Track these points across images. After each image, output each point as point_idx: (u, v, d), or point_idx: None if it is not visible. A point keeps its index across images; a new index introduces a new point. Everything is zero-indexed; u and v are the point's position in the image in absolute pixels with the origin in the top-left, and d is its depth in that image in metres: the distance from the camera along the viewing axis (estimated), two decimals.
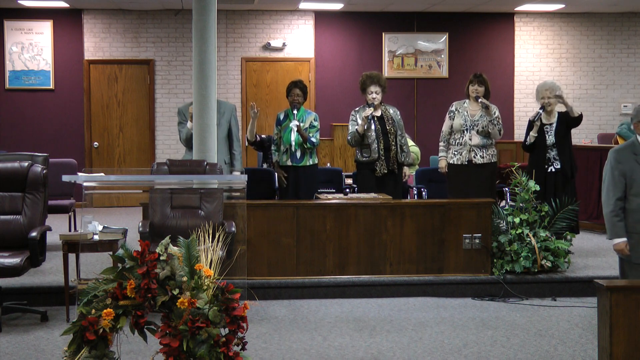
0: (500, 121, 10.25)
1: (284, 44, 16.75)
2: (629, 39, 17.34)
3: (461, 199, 9.69)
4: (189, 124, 10.25)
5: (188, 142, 10.45)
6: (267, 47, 16.75)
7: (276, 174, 10.73)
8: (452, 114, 10.34)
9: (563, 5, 16.04)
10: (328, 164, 12.95)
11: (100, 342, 4.28)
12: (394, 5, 15.95)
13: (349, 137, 10.39)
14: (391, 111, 10.33)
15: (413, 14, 16.66)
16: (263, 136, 11.62)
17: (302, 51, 16.82)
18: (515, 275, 9.25)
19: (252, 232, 9.12)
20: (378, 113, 10.23)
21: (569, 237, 9.66)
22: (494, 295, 9.12)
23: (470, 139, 10.13)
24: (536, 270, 9.34)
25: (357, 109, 10.38)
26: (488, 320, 8.08)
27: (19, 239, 8.50)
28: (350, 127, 10.33)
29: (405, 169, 10.45)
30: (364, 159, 10.30)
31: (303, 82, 10.83)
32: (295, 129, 10.34)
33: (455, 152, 10.24)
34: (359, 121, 10.16)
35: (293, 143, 10.34)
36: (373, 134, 10.16)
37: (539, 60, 17.19)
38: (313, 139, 10.40)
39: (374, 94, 10.18)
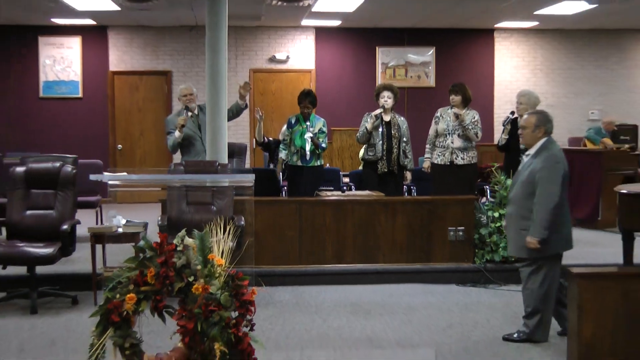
0: (478, 125, 10.25)
1: (287, 57, 16.77)
2: (595, 52, 17.37)
3: (446, 196, 9.70)
4: (176, 133, 10.19)
5: (174, 149, 10.44)
6: (272, 59, 16.76)
7: (280, 172, 10.75)
8: (437, 119, 10.36)
9: (537, 23, 16.06)
10: (327, 165, 12.95)
11: (124, 323, 4.28)
12: (386, 22, 15.96)
13: (358, 135, 10.48)
14: (399, 119, 10.35)
15: (403, 29, 16.66)
16: (270, 139, 11.62)
17: (304, 63, 16.82)
18: (495, 263, 9.29)
19: (259, 225, 9.13)
20: (387, 118, 10.26)
21: None
22: (475, 281, 9.13)
23: (452, 142, 10.15)
24: (513, 259, 9.32)
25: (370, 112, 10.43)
26: (470, 304, 8.08)
27: (52, 231, 8.53)
28: (361, 127, 10.38)
29: (407, 173, 10.48)
30: (369, 156, 10.38)
31: (313, 93, 10.78)
32: (310, 140, 10.33)
33: (439, 154, 10.25)
34: (370, 121, 10.23)
35: (308, 152, 10.32)
36: (379, 135, 10.23)
37: (516, 71, 17.21)
38: (323, 144, 10.41)
39: (386, 97, 10.25)
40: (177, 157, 10.86)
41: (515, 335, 6.99)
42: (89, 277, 8.60)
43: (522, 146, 9.96)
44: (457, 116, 10.10)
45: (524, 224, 6.84)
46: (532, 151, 6.97)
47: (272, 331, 7.24)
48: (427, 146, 10.44)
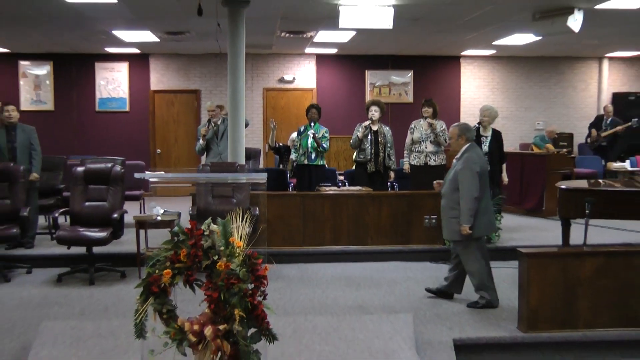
0: (446, 132, 10.27)
1: (294, 78, 16.74)
2: (540, 75, 17.36)
3: (422, 191, 9.70)
4: (200, 141, 10.39)
5: (200, 153, 10.69)
6: (281, 80, 16.73)
7: (288, 171, 10.77)
8: (412, 129, 10.36)
9: (495, 51, 16.08)
10: (326, 165, 12.94)
11: (162, 293, 4.29)
12: (374, 50, 15.94)
13: (351, 141, 10.45)
14: (384, 129, 10.36)
15: (387, 56, 16.65)
16: (281, 144, 11.63)
17: (307, 83, 16.81)
18: None
19: (270, 214, 9.16)
20: (375, 128, 10.26)
21: (498, 218, 9.71)
22: (445, 259, 9.09)
23: (426, 147, 10.16)
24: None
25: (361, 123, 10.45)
26: (441, 278, 8.07)
27: (105, 219, 8.59)
28: (354, 135, 10.36)
29: (391, 173, 10.51)
30: (360, 159, 10.37)
31: (318, 105, 10.90)
32: (312, 136, 10.39)
33: (415, 157, 10.26)
34: (361, 130, 10.24)
35: (309, 146, 10.38)
36: (368, 141, 10.24)
37: (478, 90, 17.19)
38: (324, 145, 10.43)
39: (374, 111, 10.24)
40: (204, 158, 10.94)
41: (476, 303, 7.10)
42: (134, 255, 8.68)
43: (485, 149, 10.06)
44: (430, 125, 10.12)
45: (452, 213, 7.06)
46: (457, 155, 7.18)
47: (281, 300, 7.28)
48: (405, 152, 10.46)
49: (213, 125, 10.54)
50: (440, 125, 10.24)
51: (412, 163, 10.30)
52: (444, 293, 7.41)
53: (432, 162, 10.16)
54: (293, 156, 10.69)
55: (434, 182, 7.82)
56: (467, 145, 7.12)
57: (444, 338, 6.08)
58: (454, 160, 7.23)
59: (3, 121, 9.74)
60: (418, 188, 9.96)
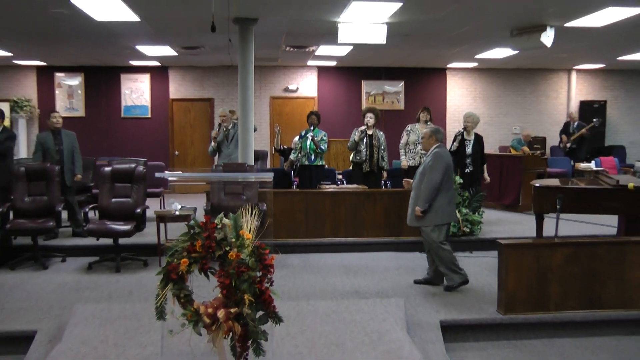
0: None
1: (297, 87, 16.72)
2: (516, 85, 17.32)
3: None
4: (212, 143, 10.46)
5: (212, 154, 10.69)
6: (286, 89, 16.72)
7: (291, 171, 10.76)
8: (408, 132, 10.36)
9: (477, 64, 16.06)
10: (326, 165, 12.93)
11: (180, 280, 4.30)
12: (369, 63, 15.94)
13: (348, 144, 10.43)
14: (379, 133, 10.34)
15: (381, 68, 16.63)
16: (285, 147, 11.64)
17: (309, 92, 16.79)
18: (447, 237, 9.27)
19: (276, 210, 9.16)
20: (370, 132, 10.24)
21: (480, 212, 9.73)
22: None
23: (421, 149, 10.16)
24: (460, 233, 9.38)
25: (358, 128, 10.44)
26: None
27: (129, 213, 8.61)
28: (351, 138, 10.36)
29: (384, 172, 10.50)
30: (356, 159, 10.35)
31: (318, 112, 10.89)
32: (310, 139, 10.38)
33: (411, 157, 10.27)
34: (357, 134, 10.24)
35: (309, 148, 10.38)
36: (364, 144, 10.22)
37: (462, 98, 17.16)
38: (322, 147, 10.40)
39: (369, 117, 10.23)
40: (216, 159, 10.95)
41: (450, 286, 7.22)
42: (155, 246, 8.69)
43: (468, 151, 10.08)
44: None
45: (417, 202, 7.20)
46: (428, 153, 7.36)
47: (286, 286, 7.29)
48: (401, 151, 10.44)
49: (224, 129, 10.55)
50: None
51: (408, 163, 10.30)
52: (430, 282, 7.45)
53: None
54: (292, 157, 10.69)
55: (403, 180, 7.97)
56: (437, 144, 7.32)
57: (431, 319, 6.09)
58: (425, 158, 7.42)
59: (50, 126, 9.82)
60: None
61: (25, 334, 5.85)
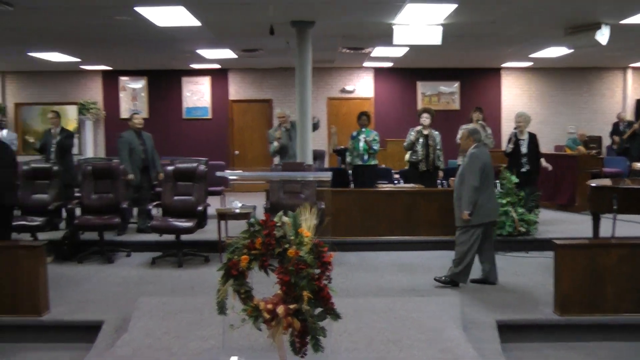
0: (492, 136, 10.16)
1: (354, 89, 16.72)
2: (571, 84, 16.95)
3: None
4: (275, 143, 10.45)
5: (274, 155, 10.68)
6: (343, 90, 16.73)
7: (350, 171, 10.75)
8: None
9: (532, 63, 15.77)
10: (383, 165, 12.89)
11: (240, 276, 4.33)
12: (424, 64, 15.83)
13: (405, 144, 10.35)
14: (434, 133, 10.24)
15: (437, 69, 16.48)
16: (342, 147, 11.63)
17: (365, 93, 16.76)
18: (503, 237, 9.12)
19: (334, 208, 9.14)
20: (426, 132, 10.16)
21: (536, 212, 9.57)
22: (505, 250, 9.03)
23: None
24: (516, 233, 9.23)
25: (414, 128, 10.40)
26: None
27: (191, 211, 8.73)
28: (407, 138, 10.30)
29: (440, 172, 10.41)
30: (412, 159, 10.28)
31: (368, 112, 10.85)
32: (363, 140, 10.36)
33: (463, 157, 10.17)
34: (413, 134, 10.19)
35: (362, 150, 10.35)
36: (420, 144, 10.15)
37: (516, 98, 16.88)
38: (374, 147, 10.36)
39: (425, 117, 10.16)
40: (277, 159, 10.98)
41: (443, 278, 7.28)
42: (216, 243, 8.77)
43: (523, 151, 9.92)
44: (483, 127, 10.03)
45: (459, 203, 7.17)
46: (467, 154, 7.31)
47: (344, 283, 7.28)
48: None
49: (284, 129, 10.61)
50: (488, 129, 10.15)
51: (460, 163, 10.19)
52: (486, 281, 7.36)
53: None
54: (348, 159, 10.67)
55: (450, 178, 7.91)
56: (474, 144, 7.26)
57: (487, 319, 6.01)
58: (464, 158, 7.38)
59: (132, 127, 10.13)
60: None
61: (93, 324, 6.01)
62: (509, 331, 5.92)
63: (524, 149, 9.98)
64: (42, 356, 5.78)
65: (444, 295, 6.81)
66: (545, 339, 5.99)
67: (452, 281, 7.20)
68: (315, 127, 10.69)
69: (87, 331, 5.97)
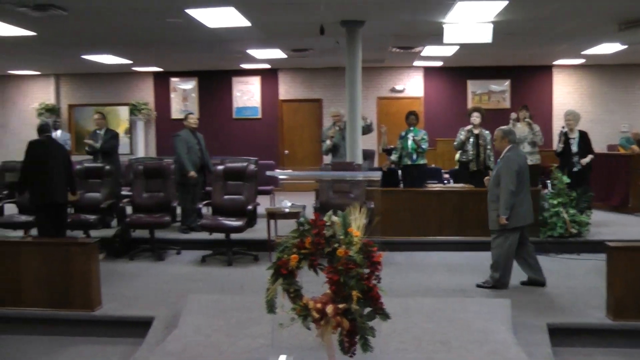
0: (540, 134, 10.01)
1: (404, 88, 16.65)
2: (624, 81, 16.50)
3: None
4: (328, 142, 10.50)
5: (326, 153, 10.68)
6: (392, 90, 16.67)
7: (384, 170, 10.71)
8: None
9: (584, 60, 15.45)
10: (433, 165, 12.81)
11: (289, 275, 4.35)
12: (475, 62, 15.66)
13: (455, 143, 10.31)
14: (484, 132, 10.14)
15: (487, 67, 16.27)
16: (391, 146, 11.60)
17: (415, 92, 16.66)
18: (554, 238, 9.01)
19: (383, 208, 9.11)
20: (476, 131, 10.08)
21: (588, 213, 9.40)
22: (540, 251, 8.83)
23: (523, 148, 9.92)
24: (567, 235, 9.07)
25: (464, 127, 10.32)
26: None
27: (241, 210, 8.81)
28: (457, 138, 10.26)
29: (490, 172, 10.31)
30: (462, 159, 10.24)
31: (416, 112, 10.80)
32: (411, 139, 10.31)
33: None
34: (463, 133, 10.12)
35: (411, 150, 10.31)
36: (470, 143, 10.07)
37: (568, 95, 16.51)
38: (423, 146, 10.31)
39: (475, 117, 10.10)
40: (326, 159, 10.99)
41: (483, 282, 7.21)
42: (266, 242, 8.82)
43: (574, 149, 9.76)
44: (530, 125, 9.89)
45: (493, 206, 7.09)
46: (501, 155, 7.19)
47: (393, 283, 7.20)
48: None
49: (337, 128, 10.61)
50: (535, 127, 10.00)
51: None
52: (536, 282, 7.26)
53: (529, 162, 9.88)
54: (393, 157, 10.62)
55: (485, 178, 7.81)
56: (509, 146, 7.15)
57: (538, 321, 5.91)
58: (498, 160, 7.25)
59: (187, 126, 10.31)
60: None
61: (144, 320, 6.12)
62: (560, 335, 5.80)
63: (574, 148, 9.82)
64: (94, 350, 5.91)
65: (493, 296, 6.72)
66: (598, 344, 5.84)
67: (495, 286, 7.12)
68: (369, 129, 10.68)
69: (138, 326, 6.07)
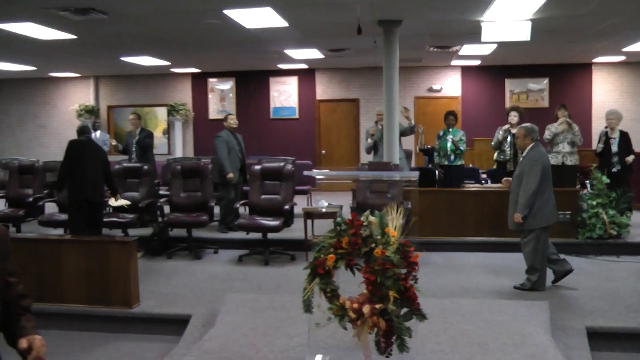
0: (579, 133, 9.87)
1: (441, 87, 16.56)
2: None
3: (557, 188, 9.31)
4: (368, 140, 10.48)
5: (368, 152, 10.68)
6: (430, 89, 16.58)
7: (437, 171, 10.64)
8: (549, 131, 9.99)
9: (624, 57, 15.18)
10: (470, 165, 12.72)
11: (326, 275, 4.34)
12: (512, 60, 15.49)
13: (493, 143, 10.26)
14: None
15: (525, 65, 16.08)
16: (429, 146, 11.54)
17: (453, 91, 16.55)
18: (593, 239, 8.87)
19: (420, 208, 9.08)
20: (514, 131, 9.95)
21: (628, 214, 9.25)
22: (578, 252, 8.75)
23: (563, 148, 9.79)
24: (606, 236, 8.93)
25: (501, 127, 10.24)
26: (574, 269, 7.79)
27: (278, 209, 8.83)
28: (495, 137, 10.18)
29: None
30: (500, 159, 10.16)
31: (455, 112, 10.75)
32: (450, 140, 10.26)
33: (553, 157, 9.89)
34: (501, 133, 10.04)
35: (449, 151, 10.26)
36: (508, 143, 9.99)
37: (608, 94, 16.21)
38: (461, 147, 10.27)
39: (512, 116, 10.03)
40: (364, 159, 10.96)
41: (520, 284, 7.11)
42: (302, 241, 8.83)
43: (614, 150, 9.61)
44: (569, 124, 9.76)
45: (515, 206, 6.96)
46: (523, 154, 7.10)
47: (430, 284, 7.19)
48: (547, 149, 10.13)
49: (380, 127, 10.60)
50: (575, 126, 9.86)
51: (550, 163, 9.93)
52: (563, 273, 7.21)
53: (568, 162, 9.77)
54: (436, 159, 10.58)
55: (503, 179, 7.72)
56: (532, 144, 7.04)
57: (576, 325, 5.82)
58: (521, 158, 7.15)
59: (227, 127, 10.38)
60: (554, 185, 9.59)
61: (181, 318, 6.19)
62: (599, 339, 5.70)
63: (614, 148, 9.67)
64: (132, 346, 5.99)
65: (531, 298, 6.63)
66: (639, 349, 5.75)
67: (532, 289, 7.03)
68: (412, 130, 10.64)
69: (175, 324, 6.15)
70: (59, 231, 9.53)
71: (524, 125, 7.30)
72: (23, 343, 2.48)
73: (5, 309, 2.53)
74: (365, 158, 10.85)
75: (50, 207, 10.38)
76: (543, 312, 5.88)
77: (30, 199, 10.25)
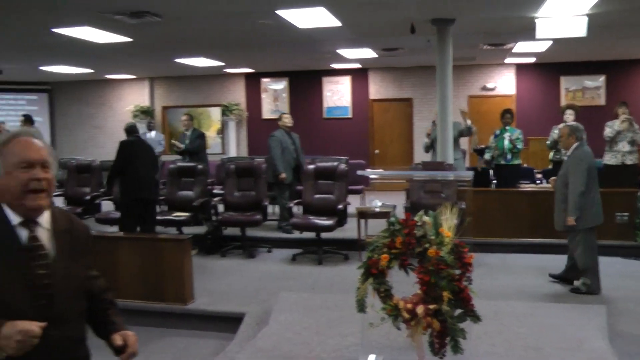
0: None
1: (495, 86, 16.36)
2: None
3: (614, 189, 9.14)
4: (426, 139, 10.45)
5: (426, 150, 10.61)
6: (484, 88, 16.40)
7: (480, 168, 10.53)
8: (610, 128, 9.77)
9: None
10: (525, 164, 12.54)
11: (380, 275, 4.34)
12: (568, 57, 15.21)
13: (548, 142, 10.15)
14: None
15: (581, 62, 15.73)
16: (482, 146, 11.42)
17: (507, 90, 16.32)
18: None
19: (475, 208, 8.97)
20: None
21: None
22: (637, 255, 8.55)
23: (623, 147, 9.59)
24: None
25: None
26: (631, 273, 7.63)
27: (332, 209, 8.88)
28: (550, 136, 10.06)
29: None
30: (556, 158, 10.03)
31: (511, 110, 10.64)
32: (507, 139, 10.15)
33: (612, 156, 9.70)
34: (557, 132, 9.86)
35: (506, 149, 10.16)
36: None
37: None
38: (518, 146, 10.15)
39: (568, 114, 9.92)
40: (417, 159, 10.90)
41: (577, 288, 7.01)
42: (356, 241, 8.85)
43: None
44: (631, 122, 9.55)
45: (562, 206, 6.85)
46: (568, 153, 6.95)
47: (484, 285, 7.09)
48: (606, 148, 9.94)
49: (435, 127, 10.54)
50: (636, 125, 9.66)
51: (609, 163, 9.72)
52: (564, 279, 7.15)
53: (628, 162, 9.57)
54: (487, 156, 10.45)
55: (550, 178, 7.57)
56: (577, 144, 6.90)
57: (635, 331, 5.69)
58: (565, 158, 7.02)
59: (282, 127, 10.45)
60: (612, 186, 9.40)
61: (236, 315, 6.27)
62: None
63: None
64: (186, 342, 6.09)
65: (588, 302, 6.51)
66: None
67: (588, 292, 6.89)
68: (470, 131, 10.54)
69: (229, 322, 6.23)
70: (115, 228, 9.73)
71: (568, 124, 7.25)
72: (118, 340, 2.51)
73: (92, 302, 2.57)
74: (419, 158, 10.79)
75: (107, 205, 10.62)
76: (600, 316, 5.77)
77: (88, 197, 10.54)
